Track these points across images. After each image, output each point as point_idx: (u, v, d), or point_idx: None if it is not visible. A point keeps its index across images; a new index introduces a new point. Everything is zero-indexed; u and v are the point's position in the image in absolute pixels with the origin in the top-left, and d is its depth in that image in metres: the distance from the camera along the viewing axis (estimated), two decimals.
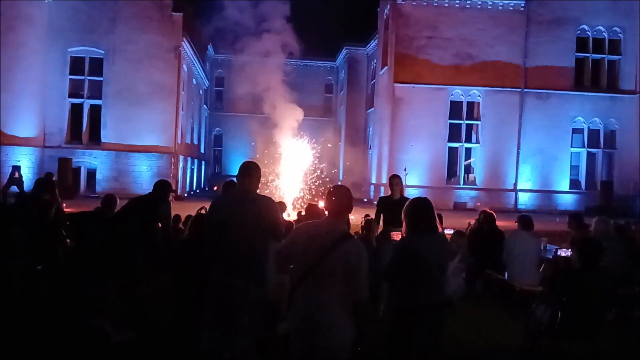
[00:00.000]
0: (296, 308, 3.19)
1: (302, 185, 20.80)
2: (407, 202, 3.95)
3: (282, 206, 7.81)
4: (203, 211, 6.37)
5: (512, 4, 25.65)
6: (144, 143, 24.48)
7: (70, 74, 24.67)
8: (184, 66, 27.32)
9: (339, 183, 30.99)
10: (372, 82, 33.41)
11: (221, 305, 3.84)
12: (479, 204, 9.74)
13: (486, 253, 7.44)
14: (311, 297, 3.11)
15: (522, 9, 25.68)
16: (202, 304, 4.12)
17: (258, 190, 4.13)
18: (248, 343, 3.87)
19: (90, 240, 5.78)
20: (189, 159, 30.48)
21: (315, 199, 20.18)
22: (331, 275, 3.09)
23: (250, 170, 4.02)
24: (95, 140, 24.87)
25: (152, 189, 5.52)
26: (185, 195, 27.43)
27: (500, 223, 8.39)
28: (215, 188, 35.28)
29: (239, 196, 3.99)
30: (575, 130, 26.39)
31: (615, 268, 6.00)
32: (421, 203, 3.85)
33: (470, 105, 26.38)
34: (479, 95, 26.03)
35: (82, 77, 24.97)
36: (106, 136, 24.58)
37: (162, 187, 5.51)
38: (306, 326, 3.11)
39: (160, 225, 5.73)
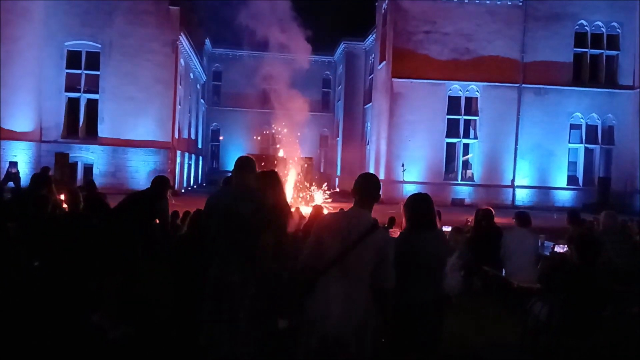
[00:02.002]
0: (317, 299, 3.15)
1: (299, 183, 20.79)
2: (407, 198, 3.93)
3: None
4: None
5: None
6: (141, 138, 24.42)
7: (67, 68, 24.54)
8: (182, 60, 27.22)
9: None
10: (370, 77, 33.36)
11: (219, 301, 3.83)
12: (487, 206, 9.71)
13: (484, 250, 7.44)
14: (336, 288, 3.09)
15: (520, 4, 25.64)
16: (201, 300, 4.10)
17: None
18: (247, 339, 3.86)
19: (77, 242, 5.72)
20: (187, 154, 30.40)
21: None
22: (359, 267, 3.07)
23: (247, 165, 4.00)
24: (92, 134, 24.78)
25: (150, 185, 5.49)
26: (183, 190, 27.39)
27: (497, 220, 8.38)
28: None
29: (236, 191, 3.97)
30: (573, 126, 26.41)
31: (617, 263, 6.02)
32: (421, 199, 3.83)
33: (469, 100, 26.37)
34: (477, 91, 26.02)
35: (79, 71, 24.84)
36: (103, 131, 24.49)
37: (160, 183, 5.49)
38: (327, 317, 3.09)
39: (158, 221, 5.71)
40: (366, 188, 3.28)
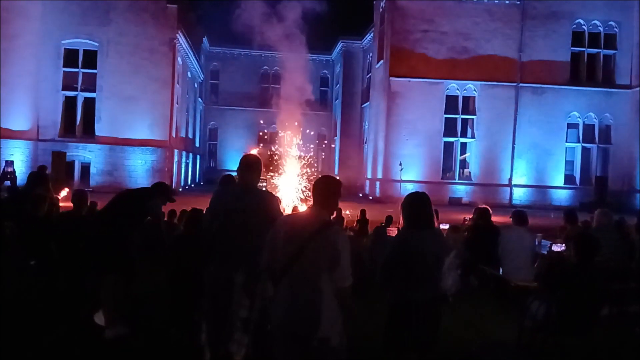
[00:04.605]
0: (280, 301, 3.13)
1: (298, 181, 20.75)
2: (405, 197, 3.92)
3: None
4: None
5: None
6: (138, 137, 24.36)
7: (64, 66, 24.49)
8: (179, 59, 27.17)
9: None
10: (368, 76, 33.35)
11: (219, 300, 3.83)
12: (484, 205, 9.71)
13: (481, 248, 7.43)
14: (296, 288, 3.07)
15: (518, 2, 25.66)
16: (198, 299, 4.09)
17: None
18: (245, 338, 3.86)
19: (74, 240, 5.73)
20: (184, 153, 30.37)
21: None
22: (314, 265, 3.04)
23: (252, 164, 4.00)
24: (89, 133, 24.72)
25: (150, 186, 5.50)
26: (180, 189, 27.35)
27: (495, 218, 8.38)
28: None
29: (240, 190, 3.96)
30: (570, 125, 26.48)
31: (612, 262, 6.03)
32: (419, 198, 3.82)
33: (466, 99, 26.39)
34: (475, 90, 26.03)
35: (76, 70, 24.79)
36: (100, 129, 24.43)
37: (157, 186, 5.48)
38: (292, 318, 3.07)
39: (151, 220, 5.69)
40: (322, 189, 3.26)
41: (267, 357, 4.32)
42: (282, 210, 4.82)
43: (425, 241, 3.69)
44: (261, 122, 34.55)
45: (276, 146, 21.39)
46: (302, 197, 20.07)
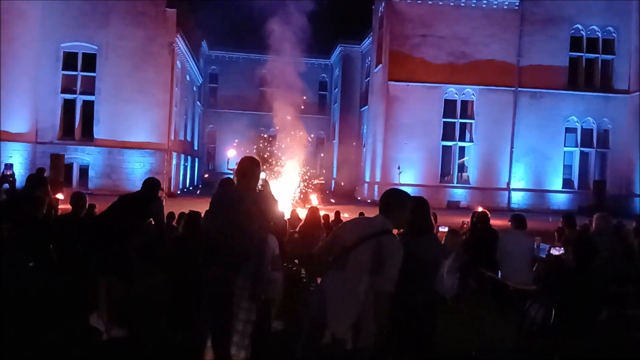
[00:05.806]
0: (319, 291, 3.24)
1: (296, 184, 20.78)
2: None
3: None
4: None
5: (506, 3, 25.73)
6: (137, 139, 24.37)
7: (63, 69, 24.50)
8: (178, 62, 27.20)
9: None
10: (367, 80, 33.40)
11: (217, 302, 3.82)
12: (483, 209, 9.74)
13: (480, 252, 7.44)
14: (336, 282, 3.15)
15: (517, 7, 25.74)
16: (196, 301, 4.09)
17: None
18: (243, 340, 3.86)
19: (72, 243, 5.72)
20: (182, 156, 30.37)
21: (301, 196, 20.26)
22: (357, 266, 3.11)
23: (250, 168, 4.01)
24: (87, 136, 24.71)
25: (142, 187, 5.47)
26: (178, 192, 27.33)
27: (493, 222, 8.39)
28: (205, 175, 35.39)
29: (238, 193, 3.96)
30: (568, 130, 26.53)
31: (610, 265, 6.04)
32: (418, 203, 3.83)
33: (464, 103, 26.44)
34: (473, 94, 26.08)
35: (75, 73, 24.80)
36: (99, 132, 24.43)
37: (152, 185, 5.47)
38: (320, 307, 3.14)
39: (153, 222, 5.69)
40: (384, 199, 3.43)
41: (267, 358, 4.33)
42: (280, 213, 4.83)
43: (424, 247, 3.70)
44: (259, 125, 34.59)
45: (273, 149, 21.41)
46: (299, 199, 20.14)
